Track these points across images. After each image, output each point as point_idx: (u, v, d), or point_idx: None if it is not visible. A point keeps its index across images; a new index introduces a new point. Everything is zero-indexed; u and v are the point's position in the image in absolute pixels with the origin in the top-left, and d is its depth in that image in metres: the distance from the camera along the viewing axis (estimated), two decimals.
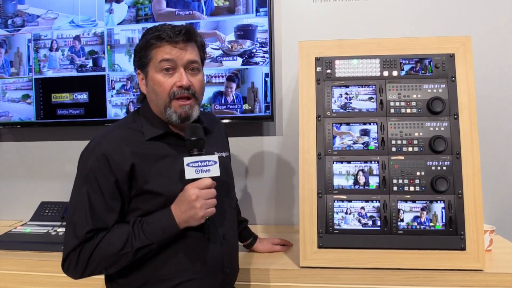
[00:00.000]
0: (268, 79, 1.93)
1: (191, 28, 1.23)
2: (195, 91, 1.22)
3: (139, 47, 1.23)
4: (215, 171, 1.16)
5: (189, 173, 1.14)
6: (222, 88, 1.97)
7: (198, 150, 1.17)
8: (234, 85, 1.95)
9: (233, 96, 1.96)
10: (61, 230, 1.81)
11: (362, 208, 1.49)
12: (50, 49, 2.08)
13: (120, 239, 1.11)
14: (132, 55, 1.28)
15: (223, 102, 1.97)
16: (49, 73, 2.09)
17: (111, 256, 1.11)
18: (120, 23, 2.02)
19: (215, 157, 1.17)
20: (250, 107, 1.96)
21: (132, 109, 2.01)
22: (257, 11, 1.93)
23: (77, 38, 2.06)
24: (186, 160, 1.14)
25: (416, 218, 1.46)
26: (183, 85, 1.18)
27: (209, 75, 1.95)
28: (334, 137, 1.53)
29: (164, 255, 1.17)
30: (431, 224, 1.46)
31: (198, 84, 1.23)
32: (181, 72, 1.19)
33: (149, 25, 1.92)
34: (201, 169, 1.15)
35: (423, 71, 1.54)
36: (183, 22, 1.70)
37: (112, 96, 2.04)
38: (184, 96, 1.19)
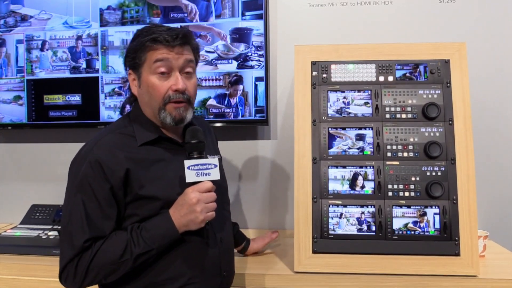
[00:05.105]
0: (258, 83, 1.93)
1: (188, 31, 1.22)
2: (190, 96, 1.21)
3: (132, 48, 1.20)
4: (215, 174, 1.15)
5: (190, 176, 1.13)
6: (214, 92, 1.95)
7: (198, 153, 1.16)
8: (240, 87, 1.94)
9: (236, 99, 1.94)
10: (52, 233, 1.78)
11: (357, 213, 1.48)
12: (42, 50, 2.06)
13: (119, 246, 1.09)
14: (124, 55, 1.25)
15: (225, 103, 1.95)
16: (41, 74, 2.07)
17: (111, 264, 1.09)
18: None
19: (215, 160, 1.16)
20: None
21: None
22: (243, 14, 1.93)
23: (71, 39, 2.04)
24: (187, 163, 1.13)
25: (410, 223, 1.46)
26: (179, 89, 1.17)
27: (203, 78, 1.94)
28: (329, 141, 1.53)
29: (162, 261, 1.15)
30: (425, 229, 1.46)
31: (192, 88, 1.22)
32: (176, 76, 1.17)
33: (139, 27, 1.91)
34: (201, 172, 1.13)
35: (418, 77, 1.54)
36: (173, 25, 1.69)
37: (105, 98, 2.02)
38: (179, 100, 1.18)
